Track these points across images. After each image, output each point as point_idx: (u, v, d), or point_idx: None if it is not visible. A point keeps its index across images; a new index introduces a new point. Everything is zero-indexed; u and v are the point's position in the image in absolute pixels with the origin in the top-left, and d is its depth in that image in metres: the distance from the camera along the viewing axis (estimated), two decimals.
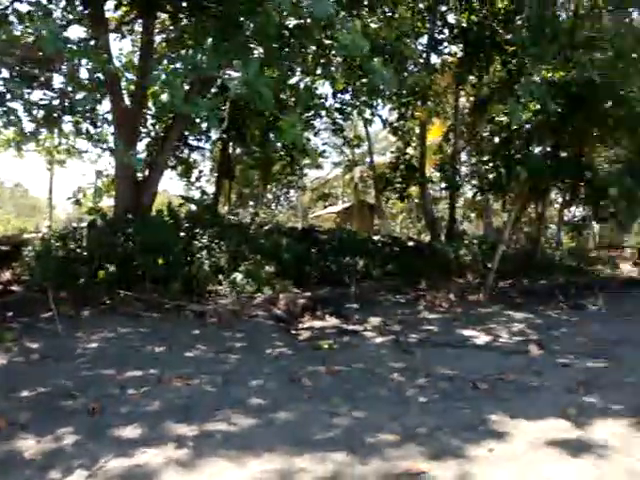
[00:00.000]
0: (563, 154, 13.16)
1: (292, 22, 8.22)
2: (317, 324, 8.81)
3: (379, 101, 15.15)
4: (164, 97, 5.95)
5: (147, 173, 12.03)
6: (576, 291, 12.40)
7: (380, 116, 17.67)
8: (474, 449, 3.85)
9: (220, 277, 10.69)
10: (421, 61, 15.84)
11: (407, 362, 6.45)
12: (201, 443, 3.88)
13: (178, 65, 6.43)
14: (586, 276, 15.31)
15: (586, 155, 14.30)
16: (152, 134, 16.84)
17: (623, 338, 8.05)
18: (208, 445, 3.85)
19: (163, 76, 5.68)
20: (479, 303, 11.13)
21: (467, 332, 8.41)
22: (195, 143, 18.89)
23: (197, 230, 11.87)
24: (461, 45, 15.36)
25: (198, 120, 11.17)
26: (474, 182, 16.93)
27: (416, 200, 22.93)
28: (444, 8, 15.80)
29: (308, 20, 7.84)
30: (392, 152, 21.60)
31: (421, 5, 15.46)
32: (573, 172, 12.26)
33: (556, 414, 4.62)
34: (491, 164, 13.04)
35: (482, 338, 8.03)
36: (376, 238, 16.83)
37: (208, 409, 4.59)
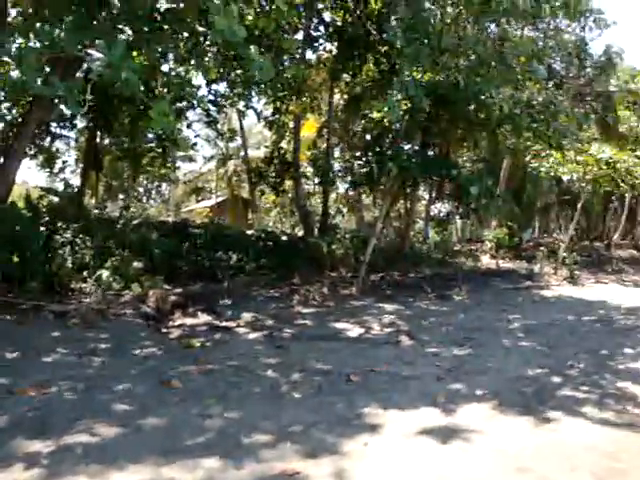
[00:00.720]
0: (431, 153, 13.81)
1: (164, 5, 7.81)
2: (188, 321, 8.43)
3: (254, 94, 14.99)
4: (15, 74, 5.37)
5: (1, 161, 10.92)
6: (442, 282, 13.08)
7: (254, 109, 17.55)
8: (349, 444, 3.84)
9: (85, 274, 9.96)
10: (297, 56, 15.86)
11: (281, 357, 6.37)
12: (57, 460, 3.45)
13: (33, 40, 5.84)
14: (451, 268, 16.20)
15: (451, 154, 15.14)
16: (8, 118, 15.34)
17: (484, 325, 8.62)
18: (65, 461, 3.43)
19: (14, 48, 5.11)
20: (352, 296, 11.35)
21: (340, 325, 8.52)
22: (58, 131, 17.55)
23: (60, 224, 10.98)
24: (336, 43, 15.59)
25: (59, 104, 10.28)
26: (347, 177, 17.28)
27: (290, 195, 23.07)
28: (320, 5, 15.93)
29: (181, 5, 7.49)
30: (266, 146, 21.54)
31: (298, 0, 15.48)
32: (439, 170, 12.87)
33: (427, 403, 4.76)
34: (363, 160, 13.36)
35: (355, 330, 8.16)
36: (250, 232, 16.66)
37: (67, 420, 4.12)
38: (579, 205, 17.89)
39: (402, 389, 5.21)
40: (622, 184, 16.96)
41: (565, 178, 17.57)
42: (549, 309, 10.56)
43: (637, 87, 25.12)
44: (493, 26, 13.74)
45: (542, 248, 17.85)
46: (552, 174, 17.29)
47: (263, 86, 13.13)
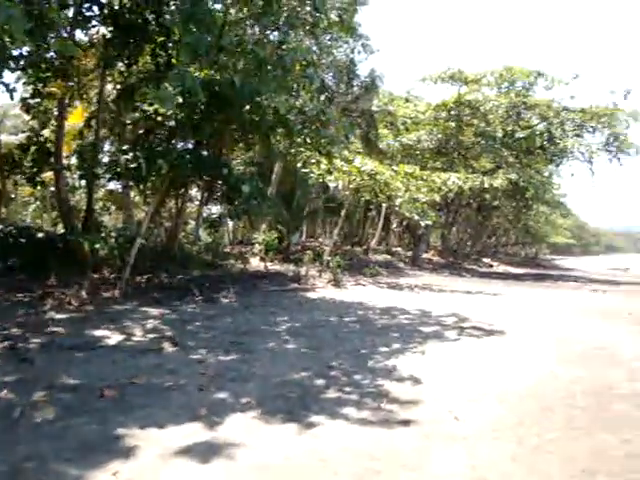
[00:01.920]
0: (204, 152, 13.46)
1: None
2: None
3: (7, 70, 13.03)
4: None
5: None
6: (211, 285, 12.80)
7: (6, 85, 15.29)
8: (95, 475, 3.32)
9: None
10: (65, 34, 14.22)
11: (23, 373, 5.47)
12: None
13: None
14: (220, 270, 16.05)
15: (225, 155, 14.99)
16: None
17: (251, 329, 8.52)
18: None
19: None
20: (114, 300, 10.47)
21: (98, 332, 7.69)
22: None
23: None
24: (111, 28, 14.32)
25: None
26: (114, 171, 16.05)
27: (52, 188, 20.75)
28: None
29: None
30: (24, 132, 19.02)
31: None
32: (212, 170, 12.61)
33: (189, 416, 4.42)
34: (132, 154, 12.46)
35: (115, 338, 7.43)
36: None
37: None
38: (343, 212, 19.16)
39: (163, 403, 4.78)
40: (380, 195, 18.60)
41: (332, 185, 18.67)
42: (314, 311, 10.92)
43: (394, 109, 28.10)
44: (276, 33, 13.95)
45: (309, 252, 18.66)
46: (321, 181, 18.24)
47: (22, 62, 11.43)
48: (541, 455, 4.09)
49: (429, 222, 20.70)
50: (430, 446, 4.15)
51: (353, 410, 4.85)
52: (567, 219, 68.36)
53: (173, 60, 11.42)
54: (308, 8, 10.29)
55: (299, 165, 18.09)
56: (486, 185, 24.09)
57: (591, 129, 27.13)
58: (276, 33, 12.75)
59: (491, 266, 37.74)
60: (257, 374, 5.91)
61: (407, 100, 31.09)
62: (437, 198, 21.05)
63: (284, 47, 10.81)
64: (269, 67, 10.72)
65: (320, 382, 5.73)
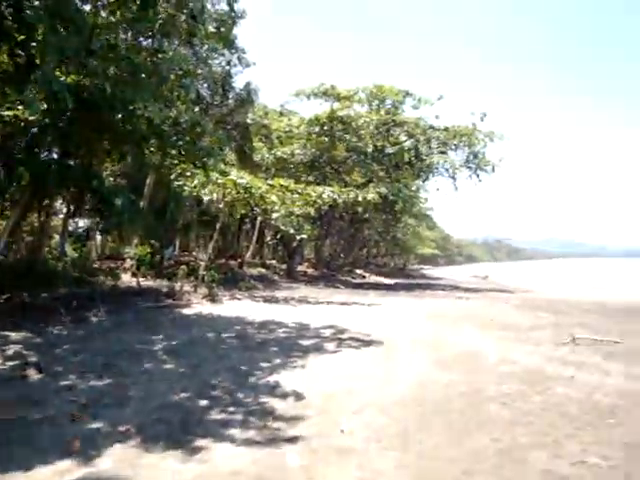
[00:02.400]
0: (72, 162, 12.62)
1: None
2: None
3: None
4: None
5: None
6: (79, 304, 11.96)
7: None
8: None
9: None
10: None
11: None
12: None
13: None
14: (89, 287, 15.08)
15: (95, 166, 14.15)
16: None
17: (125, 350, 8.07)
18: None
19: None
20: None
21: None
22: None
23: None
24: None
25: None
26: None
27: None
28: None
29: None
30: None
31: None
32: (81, 181, 11.86)
33: (61, 452, 4.06)
34: None
35: None
36: None
37: None
38: (218, 225, 18.83)
39: (29, 439, 4.35)
40: (256, 208, 18.52)
41: (206, 199, 18.27)
42: (190, 328, 10.59)
43: (268, 123, 28.24)
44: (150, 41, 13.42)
45: (183, 266, 18.13)
46: (195, 194, 17.79)
47: None
48: (426, 460, 4.23)
49: (304, 235, 20.97)
50: (319, 462, 4.15)
51: (238, 431, 4.73)
52: (433, 231, 72.56)
53: (36, 61, 10.59)
54: (185, 17, 9.99)
55: (173, 177, 17.54)
56: (359, 198, 24.84)
57: (454, 147, 29.05)
58: (151, 40, 12.27)
59: (364, 277, 38.99)
60: (134, 398, 5.60)
61: (281, 114, 31.41)
62: (312, 211, 21.37)
63: (160, 55, 10.40)
64: (143, 75, 10.28)
65: (202, 403, 5.55)
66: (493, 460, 4.26)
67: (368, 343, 9.28)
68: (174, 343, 8.84)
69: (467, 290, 27.41)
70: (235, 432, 4.70)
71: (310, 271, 34.26)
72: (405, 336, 10.15)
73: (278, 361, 7.69)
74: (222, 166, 15.60)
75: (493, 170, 28.81)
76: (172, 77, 10.53)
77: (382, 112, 29.48)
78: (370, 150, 29.28)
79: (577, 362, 7.98)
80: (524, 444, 4.61)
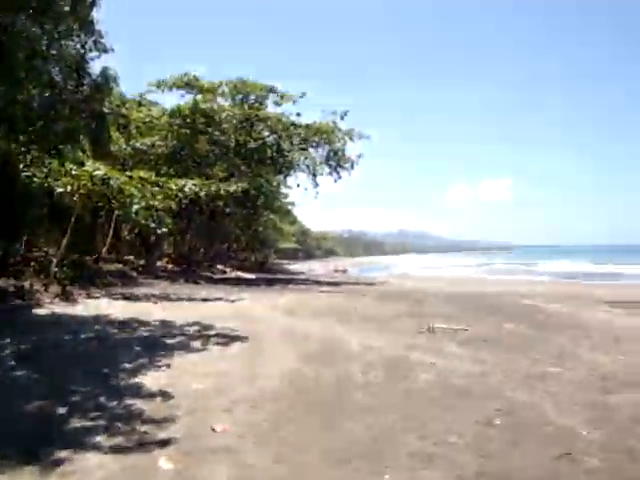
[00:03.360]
0: None
1: None
2: None
3: None
4: None
5: None
6: None
7: None
8: None
9: None
10: None
11: None
12: None
13: None
14: None
15: None
16: None
17: None
18: None
19: None
20: None
21: None
22: None
23: None
24: None
25: None
26: None
27: None
28: None
29: None
30: None
31: None
32: None
33: None
34: None
35: None
36: None
37: None
38: (72, 219, 17.60)
39: None
40: (114, 201, 17.54)
41: (59, 190, 16.96)
42: (43, 330, 9.80)
43: (127, 112, 26.85)
44: None
45: (32, 263, 16.74)
46: (46, 185, 16.44)
47: None
48: (302, 452, 4.31)
49: (165, 230, 20.28)
50: (192, 464, 4.05)
51: (104, 437, 4.49)
52: (293, 226, 73.58)
53: None
54: None
55: (22, 166, 16.06)
56: (222, 191, 24.54)
57: (314, 144, 29.70)
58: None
59: (225, 272, 38.63)
60: None
61: (140, 104, 30.01)
62: (173, 205, 20.71)
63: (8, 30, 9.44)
64: None
65: (61, 411, 5.18)
66: (367, 446, 4.45)
67: (235, 339, 9.22)
68: (25, 347, 8.14)
69: (328, 284, 28.25)
70: (100, 439, 4.44)
71: (170, 267, 33.22)
72: (271, 331, 10.23)
73: (142, 361, 7.40)
74: (80, 154, 14.57)
75: (352, 167, 29.93)
76: (22, 56, 9.62)
77: (245, 107, 29.35)
78: (233, 144, 29.05)
79: (435, 349, 8.57)
80: (394, 429, 4.86)
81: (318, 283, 28.91)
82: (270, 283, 28.13)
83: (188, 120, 28.01)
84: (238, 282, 28.16)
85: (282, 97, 29.55)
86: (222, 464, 4.05)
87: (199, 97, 28.48)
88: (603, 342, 9.88)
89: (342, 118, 29.47)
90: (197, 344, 8.77)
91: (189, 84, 28.31)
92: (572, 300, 18.83)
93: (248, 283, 27.96)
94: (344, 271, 52.03)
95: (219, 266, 42.05)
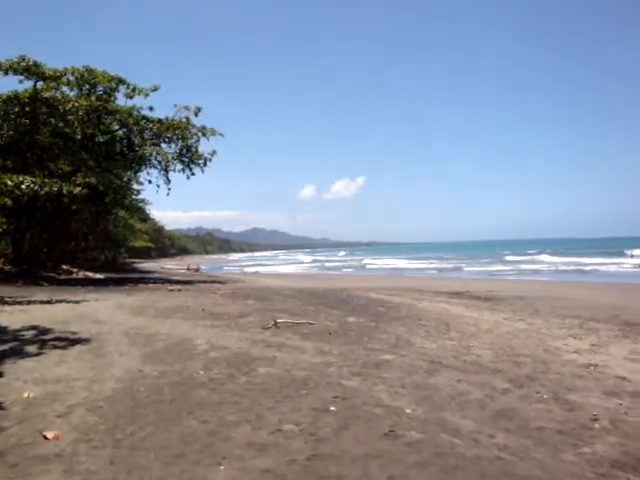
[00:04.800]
0: None
1: None
2: None
3: None
4: None
5: None
6: None
7: None
8: None
9: None
10: None
11: None
12: None
13: None
14: None
15: None
16: None
17: None
18: None
19: None
20: None
21: None
22: None
23: None
24: None
25: None
26: None
27: None
28: None
29: None
30: None
31: None
32: None
33: None
34: None
35: None
36: None
37: None
38: None
39: None
40: None
41: None
42: None
43: None
44: None
45: None
46: None
47: None
48: (137, 452, 4.30)
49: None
50: (19, 475, 3.89)
51: None
52: (145, 223, 70.98)
53: None
54: None
55: None
56: (65, 192, 22.92)
57: (167, 139, 28.98)
58: None
59: (71, 272, 36.32)
60: None
61: None
62: (8, 202, 19.12)
63: None
64: None
65: None
66: (204, 440, 4.55)
67: (75, 342, 8.82)
68: None
69: (180, 282, 27.73)
70: None
71: (7, 268, 30.61)
72: (115, 332, 9.91)
73: None
74: None
75: (206, 164, 29.63)
76: None
77: (93, 98, 27.76)
78: (79, 137, 27.45)
79: (278, 343, 8.85)
80: (231, 422, 5.01)
81: (169, 282, 28.26)
82: (119, 283, 26.96)
83: (28, 109, 25.90)
84: (85, 282, 26.61)
85: (134, 90, 28.44)
86: (53, 472, 3.93)
87: (41, 84, 26.44)
88: (435, 330, 10.83)
89: (196, 115, 29.11)
90: (33, 349, 8.26)
91: (28, 70, 26.12)
92: (413, 293, 20.30)
93: (96, 283, 26.55)
94: (197, 269, 51.29)
95: (65, 266, 39.42)
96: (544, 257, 62.62)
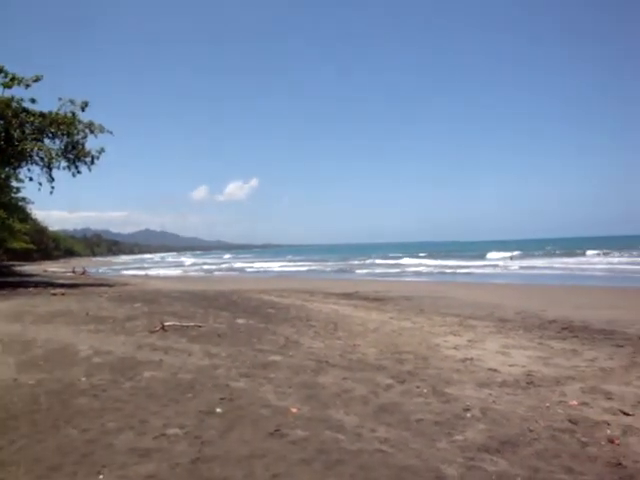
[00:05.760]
0: None
1: None
2: None
3: None
4: None
5: None
6: None
7: None
8: None
9: None
10: None
11: None
12: None
13: None
14: None
15: None
16: None
17: None
18: None
19: None
20: None
21: None
22: None
23: None
24: None
25: None
26: None
27: None
28: None
29: None
30: None
31: None
32: None
33: None
34: None
35: None
36: None
37: None
38: None
39: None
40: None
41: None
42: None
43: None
44: None
45: None
46: None
47: None
48: (7, 468, 4.06)
49: None
50: None
51: None
52: (26, 224, 66.45)
53: None
54: None
55: None
56: None
57: (51, 135, 27.32)
58: None
59: None
60: None
61: None
62: None
63: None
64: None
65: None
66: (82, 449, 4.37)
67: None
68: None
69: (63, 286, 26.26)
70: None
71: None
72: None
73: None
74: None
75: (93, 162, 28.26)
76: None
77: None
78: None
79: (165, 347, 8.67)
80: (112, 429, 4.86)
81: (52, 285, 26.69)
82: None
83: None
84: None
85: (12, 79, 26.49)
86: None
87: None
88: (324, 330, 11.08)
89: (83, 110, 27.66)
90: None
91: None
92: (304, 294, 20.60)
93: None
94: (83, 272, 48.78)
95: None
96: (405, 260, 65.21)
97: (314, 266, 61.49)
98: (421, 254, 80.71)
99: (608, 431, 5.16)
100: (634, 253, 57.62)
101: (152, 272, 54.30)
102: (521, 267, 45.69)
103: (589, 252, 66.06)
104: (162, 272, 57.43)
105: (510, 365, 8.13)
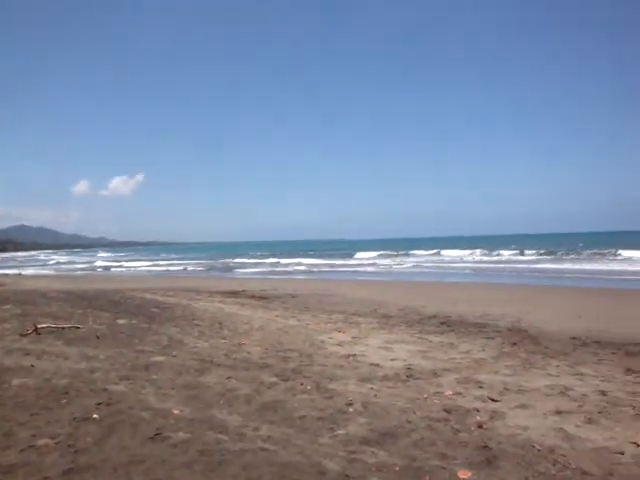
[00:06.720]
0: None
1: None
2: None
3: None
4: None
5: None
6: None
7: None
8: None
9: None
10: None
11: None
12: None
13: None
14: None
15: None
16: None
17: None
18: None
19: None
20: None
21: None
22: None
23: None
24: None
25: None
26: None
27: None
28: None
29: None
30: None
31: None
32: None
33: None
34: None
35: None
36: None
37: None
38: None
39: None
40: None
41: None
42: None
43: None
44: None
45: None
46: None
47: None
48: None
49: None
50: None
51: None
52: None
53: None
54: None
55: None
56: None
57: None
58: None
59: None
60: None
61: None
62: None
63: None
64: None
65: None
66: None
67: None
68: None
69: None
70: None
71: None
72: None
73: None
74: None
75: None
76: None
77: None
78: None
79: (38, 351, 8.08)
80: None
81: None
82: None
83: None
84: None
85: None
86: None
87: None
88: (209, 329, 10.91)
89: None
90: None
91: None
92: (190, 293, 20.16)
93: None
94: None
95: None
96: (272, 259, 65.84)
97: (190, 266, 57.95)
98: (300, 252, 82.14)
99: (478, 417, 5.51)
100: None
101: (26, 271, 50.56)
102: (398, 265, 47.80)
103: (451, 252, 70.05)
104: (37, 271, 53.74)
105: (392, 360, 8.45)
